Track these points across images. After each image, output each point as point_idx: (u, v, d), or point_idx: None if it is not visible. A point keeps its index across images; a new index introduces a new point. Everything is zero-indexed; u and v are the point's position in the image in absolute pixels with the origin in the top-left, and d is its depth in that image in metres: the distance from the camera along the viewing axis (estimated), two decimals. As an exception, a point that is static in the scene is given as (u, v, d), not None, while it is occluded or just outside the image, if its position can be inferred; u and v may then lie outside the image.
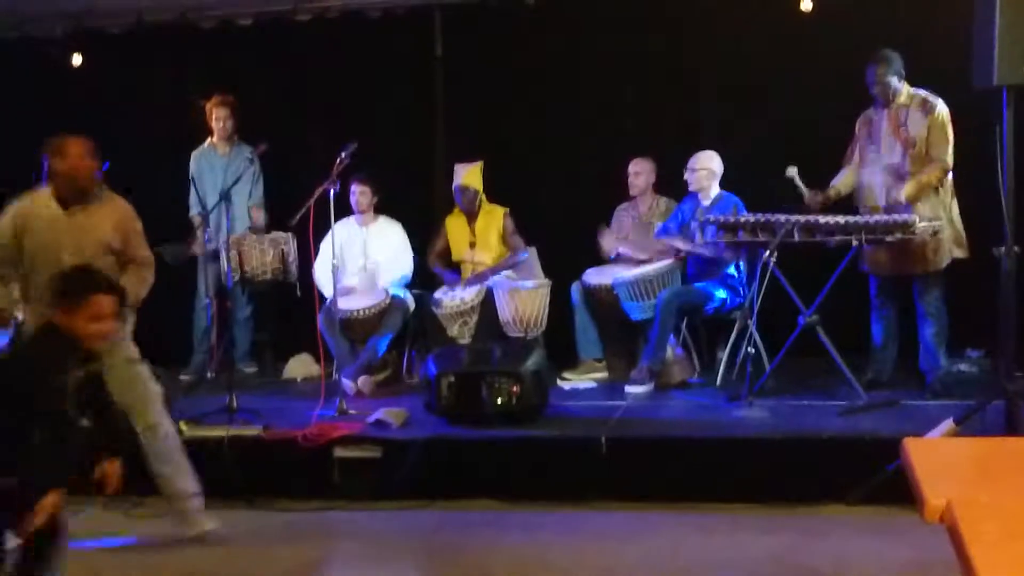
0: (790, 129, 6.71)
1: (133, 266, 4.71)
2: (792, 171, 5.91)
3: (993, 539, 1.80)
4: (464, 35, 7.43)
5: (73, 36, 7.72)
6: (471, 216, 6.96)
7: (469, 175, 6.88)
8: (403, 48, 7.52)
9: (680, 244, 6.50)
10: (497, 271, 6.84)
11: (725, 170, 6.49)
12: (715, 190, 6.45)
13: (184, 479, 4.78)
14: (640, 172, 6.81)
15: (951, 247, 5.73)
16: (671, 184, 6.75)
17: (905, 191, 5.63)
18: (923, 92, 5.78)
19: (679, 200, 6.70)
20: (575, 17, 7.25)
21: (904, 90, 5.80)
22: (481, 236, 6.95)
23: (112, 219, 4.67)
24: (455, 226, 7.03)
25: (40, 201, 4.65)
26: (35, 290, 4.57)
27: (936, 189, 5.70)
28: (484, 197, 6.96)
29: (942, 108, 5.70)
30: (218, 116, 7.09)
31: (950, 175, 5.74)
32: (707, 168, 6.42)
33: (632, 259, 6.70)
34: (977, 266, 5.58)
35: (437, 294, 6.75)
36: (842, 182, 6.01)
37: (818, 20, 6.73)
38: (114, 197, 4.77)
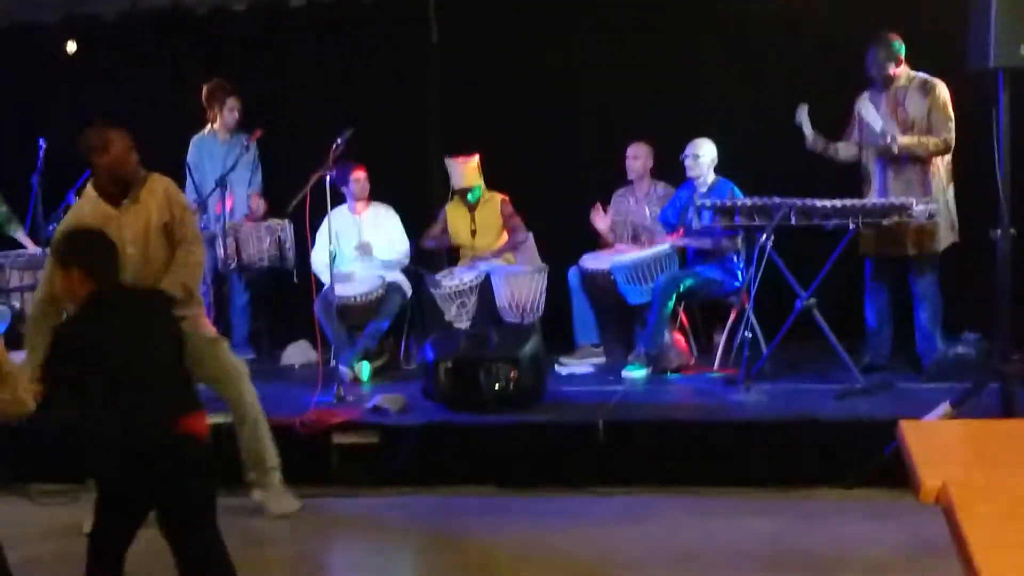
0: (788, 113, 6.69)
1: (179, 250, 4.73)
2: (802, 112, 5.90)
3: (988, 520, 1.81)
4: (459, 20, 7.41)
5: (67, 23, 7.70)
6: (471, 205, 6.96)
7: (470, 175, 6.85)
8: (398, 34, 7.50)
9: (679, 242, 6.50)
10: (498, 254, 6.85)
11: (722, 155, 6.48)
12: (711, 176, 6.45)
13: (270, 451, 4.95)
14: (638, 156, 6.80)
15: (947, 231, 5.72)
16: (668, 170, 6.74)
17: (903, 138, 5.62)
18: (923, 74, 5.78)
19: (676, 186, 6.70)
20: (572, 1, 7.23)
21: (903, 73, 5.80)
22: (482, 224, 6.95)
23: (156, 200, 4.71)
24: (456, 214, 7.02)
25: (89, 202, 4.65)
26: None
27: (937, 168, 5.69)
28: (484, 187, 6.95)
29: (942, 89, 5.70)
30: (231, 106, 7.03)
31: (948, 157, 5.74)
32: (708, 155, 6.42)
33: (629, 243, 6.70)
34: (974, 248, 5.58)
35: (437, 275, 6.75)
36: (841, 147, 6.00)
37: (815, 3, 6.71)
38: (153, 176, 4.78)
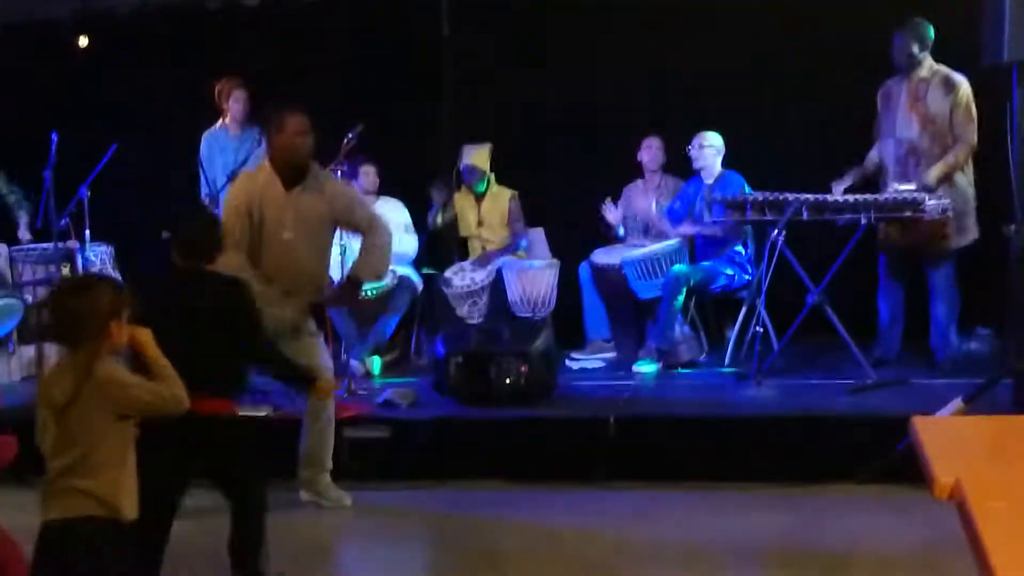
0: (796, 107, 6.68)
1: (366, 240, 4.90)
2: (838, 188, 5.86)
3: (1003, 516, 1.80)
4: (471, 15, 7.40)
5: (80, 18, 7.71)
6: (478, 196, 6.96)
7: (477, 156, 6.87)
8: (410, 28, 7.50)
9: (688, 230, 6.48)
10: (502, 255, 6.84)
11: (733, 150, 6.46)
12: (718, 168, 6.44)
13: (330, 453, 5.00)
14: (651, 147, 6.78)
15: (972, 227, 5.69)
16: (678, 165, 6.73)
17: (932, 174, 5.58)
18: (946, 69, 5.71)
19: (687, 177, 6.68)
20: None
21: (926, 63, 5.74)
22: (487, 217, 6.95)
23: (326, 196, 4.78)
24: (464, 204, 7.02)
25: (264, 175, 4.75)
26: (261, 267, 4.70)
27: (963, 168, 5.66)
28: (492, 178, 6.95)
29: (966, 87, 5.64)
30: (237, 97, 7.03)
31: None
32: (713, 146, 6.40)
33: (641, 239, 6.69)
34: (987, 244, 5.56)
35: (447, 274, 6.75)
36: (869, 159, 5.96)
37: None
38: (332, 180, 4.93)
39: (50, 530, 2.92)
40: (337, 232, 6.15)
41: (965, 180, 5.68)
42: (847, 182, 5.89)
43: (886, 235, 5.82)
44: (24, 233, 7.14)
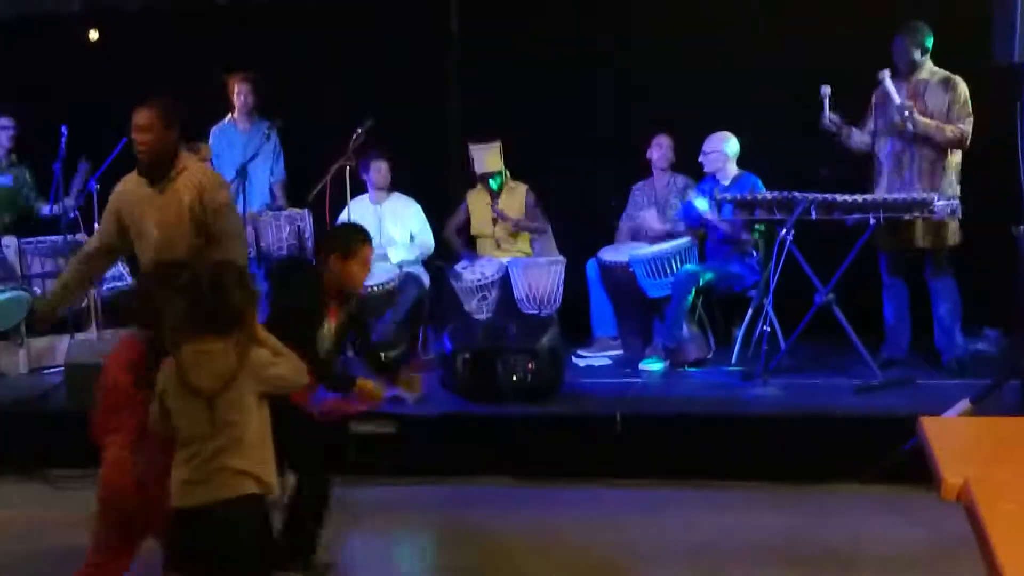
0: (808, 104, 6.67)
1: (212, 247, 4.49)
2: (825, 91, 5.83)
3: (1011, 517, 1.80)
4: (480, 11, 7.41)
5: (89, 12, 7.73)
6: (494, 193, 6.95)
7: (491, 161, 6.84)
8: (419, 24, 7.50)
9: (706, 213, 6.45)
10: (524, 227, 6.83)
11: (743, 148, 6.44)
12: (733, 170, 6.42)
13: None
14: (662, 145, 6.77)
15: (954, 230, 5.68)
16: (688, 163, 6.72)
17: (920, 117, 5.57)
18: (945, 72, 5.73)
19: (697, 178, 6.68)
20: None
21: (926, 66, 5.76)
22: (506, 212, 6.93)
23: (189, 190, 4.57)
24: (478, 201, 7.00)
25: (131, 181, 4.67)
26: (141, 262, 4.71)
27: (948, 165, 5.65)
28: (508, 174, 6.94)
29: (963, 86, 5.67)
30: (240, 91, 7.07)
31: (959, 157, 5.70)
32: (717, 150, 6.39)
33: (650, 237, 6.68)
34: (996, 245, 5.55)
35: (458, 267, 6.76)
36: (855, 133, 5.95)
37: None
38: (195, 166, 4.69)
39: (209, 514, 2.96)
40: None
41: (947, 183, 5.67)
42: (835, 118, 5.84)
43: (882, 236, 5.80)
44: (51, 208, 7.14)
